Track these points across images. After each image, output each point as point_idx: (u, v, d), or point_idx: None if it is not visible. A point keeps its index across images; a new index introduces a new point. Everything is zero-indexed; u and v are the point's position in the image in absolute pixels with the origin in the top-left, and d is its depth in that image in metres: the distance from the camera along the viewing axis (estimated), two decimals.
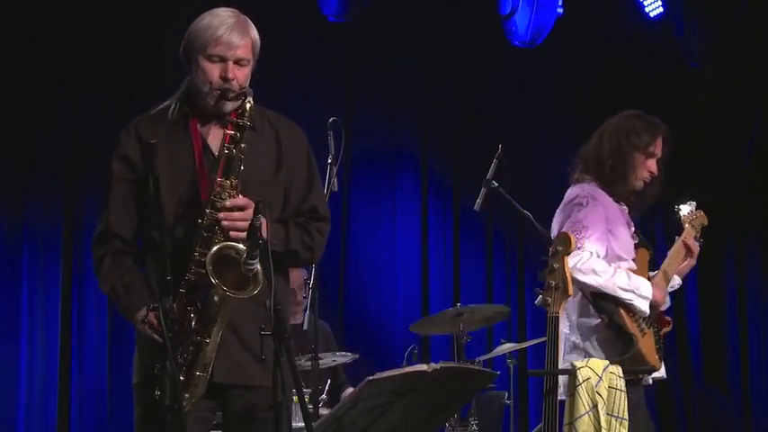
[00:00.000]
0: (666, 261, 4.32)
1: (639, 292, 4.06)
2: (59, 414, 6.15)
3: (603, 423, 3.71)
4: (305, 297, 5.46)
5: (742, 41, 7.56)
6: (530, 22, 7.28)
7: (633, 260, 4.22)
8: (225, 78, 3.11)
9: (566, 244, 3.84)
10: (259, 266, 2.93)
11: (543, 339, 3.92)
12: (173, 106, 3.22)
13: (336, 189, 4.91)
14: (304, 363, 5.02)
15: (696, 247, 4.35)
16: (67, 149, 6.38)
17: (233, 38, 3.10)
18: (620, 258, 4.14)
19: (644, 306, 4.06)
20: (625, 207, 4.29)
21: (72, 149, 6.37)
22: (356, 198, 7.38)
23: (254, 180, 3.14)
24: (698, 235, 4.40)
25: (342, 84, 7.36)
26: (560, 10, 7.36)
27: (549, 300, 3.79)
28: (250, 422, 3.13)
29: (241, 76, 3.14)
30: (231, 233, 3.03)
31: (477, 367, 4.17)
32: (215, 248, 3.00)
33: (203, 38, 3.11)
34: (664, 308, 4.27)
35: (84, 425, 6.24)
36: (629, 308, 4.05)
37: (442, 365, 3.71)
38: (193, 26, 3.17)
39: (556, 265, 3.81)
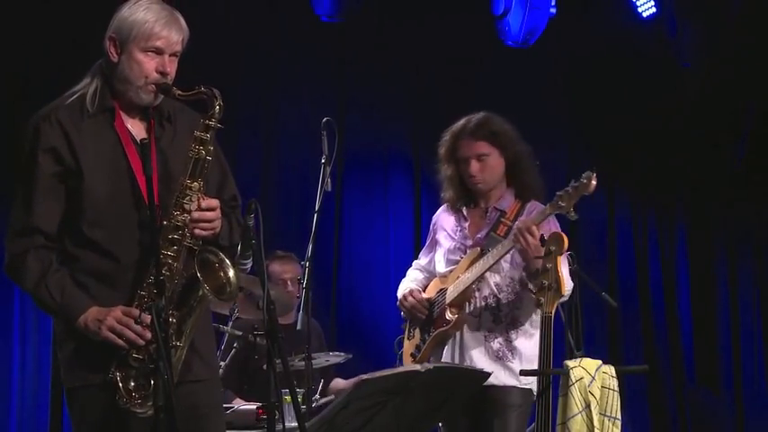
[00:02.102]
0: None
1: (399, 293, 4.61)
2: (52, 414, 6.12)
3: (596, 423, 3.71)
4: (298, 297, 5.45)
5: (734, 42, 7.56)
6: (523, 23, 7.27)
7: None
8: (162, 72, 3.08)
9: (559, 244, 3.84)
10: (231, 272, 2.94)
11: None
12: (91, 95, 3.12)
13: (330, 189, 4.91)
14: (297, 363, 5.02)
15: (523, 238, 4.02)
16: None
17: (173, 33, 3.09)
18: (436, 264, 4.50)
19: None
20: (463, 212, 4.46)
21: None
22: (349, 198, 7.37)
23: (177, 173, 3.08)
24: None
25: (334, 84, 7.34)
26: (553, 10, 7.36)
27: (542, 300, 3.80)
28: (197, 419, 3.11)
29: (173, 69, 3.12)
30: (196, 231, 3.00)
31: (469, 367, 4.16)
32: (199, 250, 3.00)
33: (141, 30, 3.06)
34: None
35: None
36: None
37: (435, 366, 3.71)
38: (126, 17, 3.10)
39: (549, 265, 3.82)
